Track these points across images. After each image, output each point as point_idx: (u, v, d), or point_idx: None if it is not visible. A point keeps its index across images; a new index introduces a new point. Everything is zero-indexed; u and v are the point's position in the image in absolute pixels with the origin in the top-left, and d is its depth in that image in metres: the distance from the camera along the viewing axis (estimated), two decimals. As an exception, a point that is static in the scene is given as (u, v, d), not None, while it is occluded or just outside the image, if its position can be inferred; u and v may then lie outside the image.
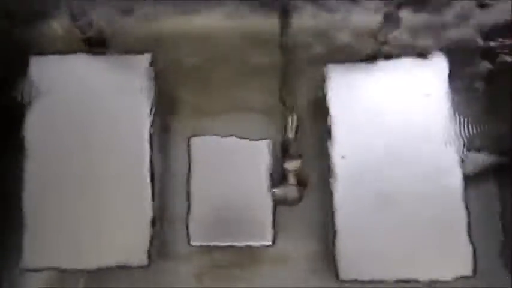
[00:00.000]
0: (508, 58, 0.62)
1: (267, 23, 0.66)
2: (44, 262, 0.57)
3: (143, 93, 0.60)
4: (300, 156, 0.61)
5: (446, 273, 0.55)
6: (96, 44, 0.64)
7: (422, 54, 0.61)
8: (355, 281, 0.55)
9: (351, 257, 0.56)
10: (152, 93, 0.60)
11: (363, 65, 0.61)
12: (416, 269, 0.55)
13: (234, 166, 0.59)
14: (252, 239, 0.57)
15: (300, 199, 0.61)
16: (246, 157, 0.59)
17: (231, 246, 0.58)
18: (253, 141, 0.60)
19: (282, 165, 0.61)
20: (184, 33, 0.70)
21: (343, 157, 0.58)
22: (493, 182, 0.66)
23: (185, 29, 0.70)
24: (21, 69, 0.61)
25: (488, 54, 0.64)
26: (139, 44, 0.68)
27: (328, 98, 0.60)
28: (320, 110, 0.61)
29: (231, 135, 0.60)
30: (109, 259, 0.56)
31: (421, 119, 0.59)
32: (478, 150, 0.64)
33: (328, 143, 0.59)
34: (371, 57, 0.61)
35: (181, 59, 0.70)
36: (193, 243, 0.58)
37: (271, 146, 0.60)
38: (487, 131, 0.66)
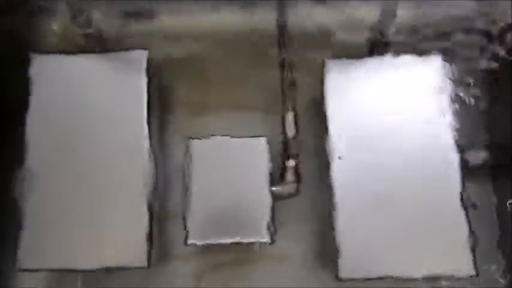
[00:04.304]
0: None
1: (266, 19, 0.66)
2: (41, 262, 0.56)
3: (140, 90, 0.60)
4: (297, 155, 0.61)
5: (447, 272, 0.54)
6: (94, 42, 0.64)
7: (422, 51, 0.61)
8: (355, 279, 0.55)
9: (351, 256, 0.55)
10: (149, 90, 0.60)
11: (362, 62, 0.60)
12: (416, 268, 0.54)
13: (232, 164, 0.59)
14: (251, 237, 0.57)
15: (296, 193, 0.61)
16: (243, 155, 0.59)
17: (230, 245, 0.57)
18: (250, 139, 0.59)
19: (281, 163, 0.61)
20: (182, 30, 0.71)
21: (339, 157, 0.58)
22: (492, 180, 0.65)
23: (183, 25, 0.71)
24: (21, 68, 0.61)
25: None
26: (137, 41, 0.68)
27: (326, 94, 0.59)
28: (319, 107, 0.61)
29: (229, 135, 0.60)
30: (107, 260, 0.56)
31: (420, 117, 0.58)
32: (476, 147, 0.64)
33: (327, 141, 0.58)
34: (370, 52, 0.61)
35: (178, 55, 0.70)
36: (191, 241, 0.57)
37: (268, 144, 0.59)
38: (486, 128, 0.66)
